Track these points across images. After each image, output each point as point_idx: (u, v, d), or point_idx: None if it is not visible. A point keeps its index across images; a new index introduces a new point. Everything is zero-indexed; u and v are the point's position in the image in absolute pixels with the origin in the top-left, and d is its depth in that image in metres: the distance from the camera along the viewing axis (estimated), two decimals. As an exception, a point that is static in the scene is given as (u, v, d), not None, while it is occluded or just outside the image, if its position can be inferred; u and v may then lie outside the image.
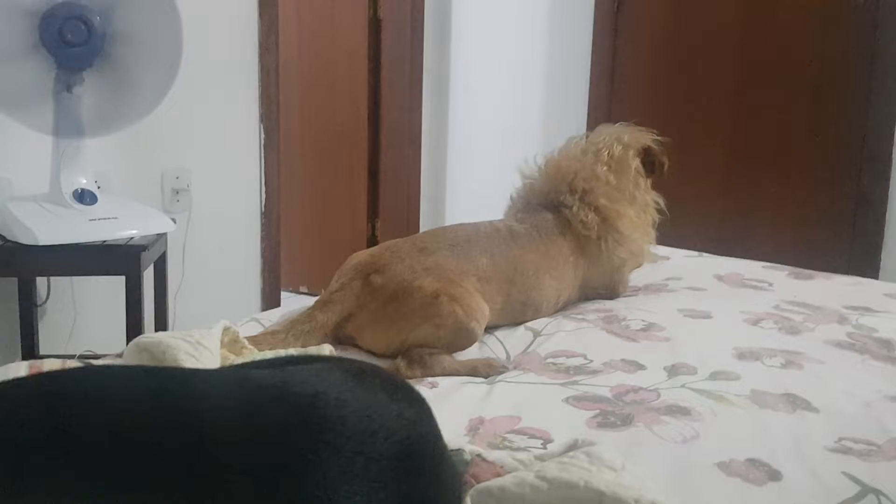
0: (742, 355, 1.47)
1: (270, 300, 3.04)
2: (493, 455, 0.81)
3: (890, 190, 3.11)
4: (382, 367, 1.34)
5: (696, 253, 2.28)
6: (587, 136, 1.92)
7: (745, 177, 3.42)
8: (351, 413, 0.65)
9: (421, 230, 3.16)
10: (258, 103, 2.88)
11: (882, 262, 3.12)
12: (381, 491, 0.62)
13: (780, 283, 1.99)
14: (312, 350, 1.19)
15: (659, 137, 1.95)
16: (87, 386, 0.66)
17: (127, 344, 1.82)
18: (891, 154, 3.08)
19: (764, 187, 3.38)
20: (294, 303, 1.76)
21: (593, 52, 3.68)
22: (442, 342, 1.42)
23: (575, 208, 1.74)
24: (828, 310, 1.77)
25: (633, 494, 0.71)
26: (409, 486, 0.65)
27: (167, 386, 0.67)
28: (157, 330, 2.43)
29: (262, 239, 2.99)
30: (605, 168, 1.81)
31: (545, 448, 1.07)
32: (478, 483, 0.76)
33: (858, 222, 3.18)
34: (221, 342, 1.13)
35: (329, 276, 1.55)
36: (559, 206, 1.76)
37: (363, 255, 1.53)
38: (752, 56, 3.36)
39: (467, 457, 0.81)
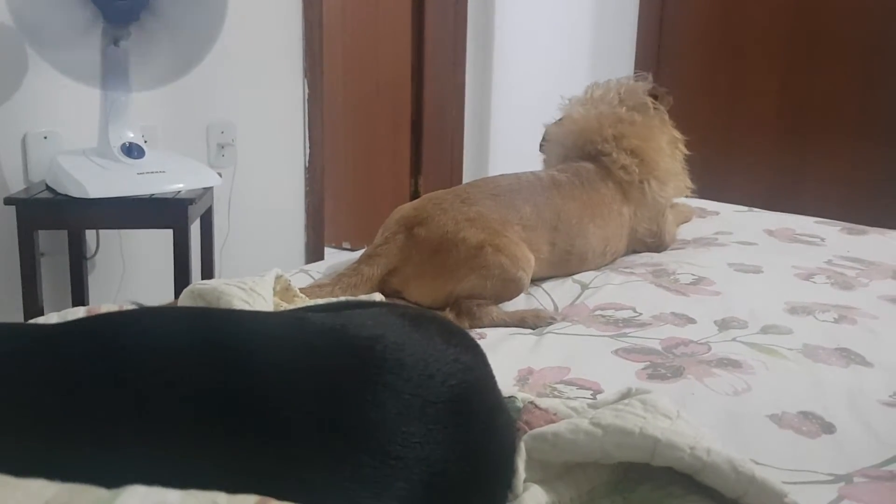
0: (794, 310, 1.44)
1: (314, 255, 3.06)
2: (545, 402, 0.81)
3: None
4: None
5: (745, 208, 2.24)
6: (587, 93, 1.89)
7: (796, 132, 3.34)
8: (408, 356, 0.65)
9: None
10: (302, 58, 2.87)
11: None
12: (438, 434, 0.62)
13: (832, 238, 1.95)
14: (364, 298, 1.19)
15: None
16: (141, 325, 0.66)
17: (175, 297, 1.85)
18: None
19: (814, 143, 3.30)
20: (337, 258, 1.76)
21: (641, 4, 3.60)
22: (489, 293, 1.42)
23: (614, 154, 1.72)
24: (882, 265, 1.73)
25: (689, 442, 0.70)
26: (465, 430, 0.65)
27: (223, 326, 0.67)
28: (203, 282, 2.45)
29: (307, 194, 3.00)
30: (625, 109, 1.79)
31: (595, 398, 1.07)
32: (531, 429, 0.76)
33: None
34: (273, 290, 1.14)
35: (372, 233, 1.56)
36: (597, 156, 1.74)
37: (406, 208, 1.53)
38: (805, 8, 3.26)
39: (519, 404, 0.81)
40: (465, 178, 3.91)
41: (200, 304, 1.04)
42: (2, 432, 0.56)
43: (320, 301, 1.13)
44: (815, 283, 1.61)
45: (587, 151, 1.75)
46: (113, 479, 0.52)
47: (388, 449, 0.59)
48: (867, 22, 3.14)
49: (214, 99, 2.70)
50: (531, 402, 0.81)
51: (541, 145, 1.94)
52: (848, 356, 1.25)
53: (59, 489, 0.51)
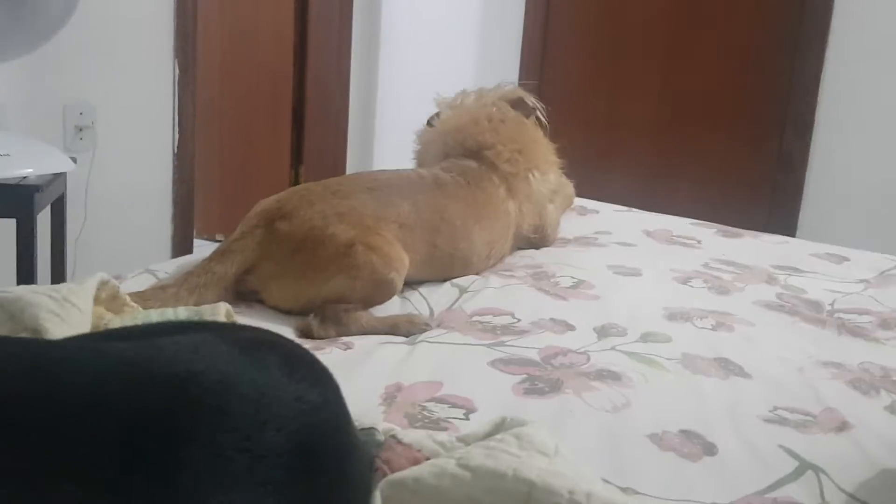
0: (672, 316, 1.41)
1: (182, 248, 2.87)
2: (409, 437, 0.71)
3: (811, 151, 3.11)
4: (288, 330, 1.22)
5: (624, 208, 2.22)
6: (457, 99, 1.86)
7: (672, 135, 3.40)
8: (235, 398, 0.53)
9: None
10: (173, 36, 2.68)
11: (799, 223, 3.14)
12: (269, 497, 0.51)
13: (708, 240, 1.95)
14: (206, 310, 1.05)
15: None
16: None
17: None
18: (814, 115, 3.08)
19: (690, 146, 3.37)
20: (208, 251, 1.62)
21: (527, 4, 3.58)
22: (358, 295, 1.31)
23: (499, 146, 1.66)
24: (756, 269, 1.73)
25: (567, 485, 0.62)
26: (307, 487, 0.54)
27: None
28: (53, 280, 2.26)
29: (175, 182, 2.81)
30: (494, 109, 1.76)
31: (468, 418, 0.99)
32: (391, 470, 0.67)
33: (779, 182, 3.20)
34: (97, 298, 0.99)
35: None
36: (479, 150, 1.67)
37: (269, 200, 1.39)
38: (682, 15, 3.32)
39: (380, 437, 0.71)
40: (349, 169, 3.78)
41: (1, 316, 0.88)
42: None
43: (152, 315, 0.99)
44: (692, 286, 1.59)
45: (468, 147, 1.67)
46: None
47: None
48: (739, 29, 3.22)
49: (72, 77, 2.49)
50: (393, 436, 0.71)
51: (416, 152, 1.86)
52: (727, 367, 1.21)
53: None
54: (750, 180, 3.26)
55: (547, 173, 1.76)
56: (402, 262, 1.37)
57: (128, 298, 1.06)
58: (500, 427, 0.73)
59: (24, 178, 2.02)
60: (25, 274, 2.01)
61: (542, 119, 1.86)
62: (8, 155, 2.02)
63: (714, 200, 3.22)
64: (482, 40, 3.67)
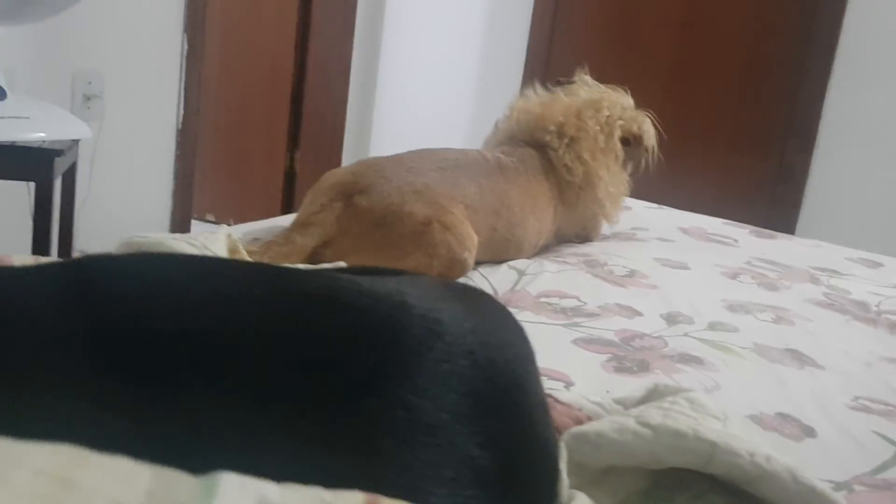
0: (732, 308, 1.41)
1: (180, 224, 2.82)
2: (565, 396, 0.70)
3: (812, 164, 3.15)
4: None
5: (655, 205, 2.22)
6: (577, 87, 1.80)
7: (673, 144, 3.41)
8: (444, 326, 0.52)
9: (343, 166, 2.93)
10: (184, 12, 2.63)
11: (797, 233, 3.17)
12: (496, 423, 0.50)
13: (744, 240, 1.95)
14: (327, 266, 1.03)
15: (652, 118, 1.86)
16: (145, 273, 0.50)
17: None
18: (817, 128, 3.11)
19: (690, 155, 3.38)
20: (202, 230, 1.56)
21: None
22: (434, 272, 1.29)
23: (561, 152, 1.64)
24: (798, 269, 1.73)
25: (747, 447, 0.61)
26: (505, 414, 0.53)
27: (259, 275, 0.52)
28: (60, 246, 2.20)
29: (177, 158, 2.76)
30: (597, 127, 1.70)
31: (568, 390, 0.97)
32: (556, 426, 0.64)
33: (777, 193, 3.22)
34: (223, 251, 0.96)
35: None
36: (544, 147, 1.65)
37: (341, 172, 1.37)
38: (687, 27, 3.33)
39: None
40: (345, 158, 3.73)
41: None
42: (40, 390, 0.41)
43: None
44: (741, 282, 1.59)
45: (535, 138, 1.65)
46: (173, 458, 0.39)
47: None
48: (745, 42, 3.24)
49: (83, 45, 2.43)
50: (550, 396, 0.69)
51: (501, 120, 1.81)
52: (799, 358, 1.21)
53: (153, 476, 0.38)
54: (748, 192, 3.28)
55: (594, 204, 1.71)
56: (474, 242, 1.36)
57: (245, 253, 1.03)
58: (653, 393, 0.71)
59: (42, 142, 1.96)
60: (41, 237, 1.95)
61: (649, 163, 1.80)
62: (27, 118, 1.97)
63: (714, 210, 3.24)
64: (487, 30, 3.65)
